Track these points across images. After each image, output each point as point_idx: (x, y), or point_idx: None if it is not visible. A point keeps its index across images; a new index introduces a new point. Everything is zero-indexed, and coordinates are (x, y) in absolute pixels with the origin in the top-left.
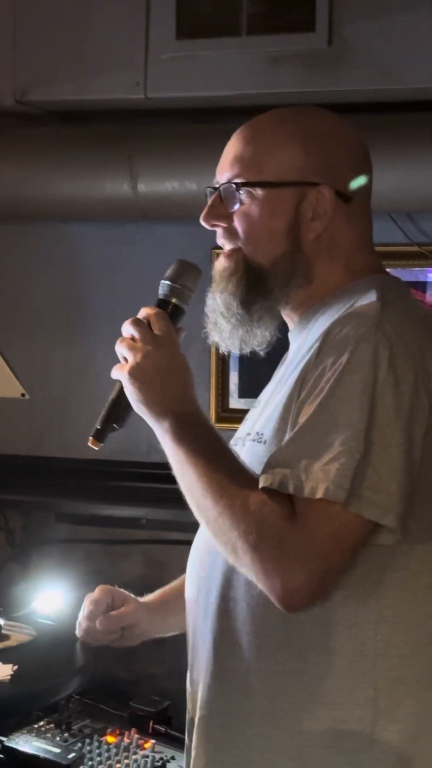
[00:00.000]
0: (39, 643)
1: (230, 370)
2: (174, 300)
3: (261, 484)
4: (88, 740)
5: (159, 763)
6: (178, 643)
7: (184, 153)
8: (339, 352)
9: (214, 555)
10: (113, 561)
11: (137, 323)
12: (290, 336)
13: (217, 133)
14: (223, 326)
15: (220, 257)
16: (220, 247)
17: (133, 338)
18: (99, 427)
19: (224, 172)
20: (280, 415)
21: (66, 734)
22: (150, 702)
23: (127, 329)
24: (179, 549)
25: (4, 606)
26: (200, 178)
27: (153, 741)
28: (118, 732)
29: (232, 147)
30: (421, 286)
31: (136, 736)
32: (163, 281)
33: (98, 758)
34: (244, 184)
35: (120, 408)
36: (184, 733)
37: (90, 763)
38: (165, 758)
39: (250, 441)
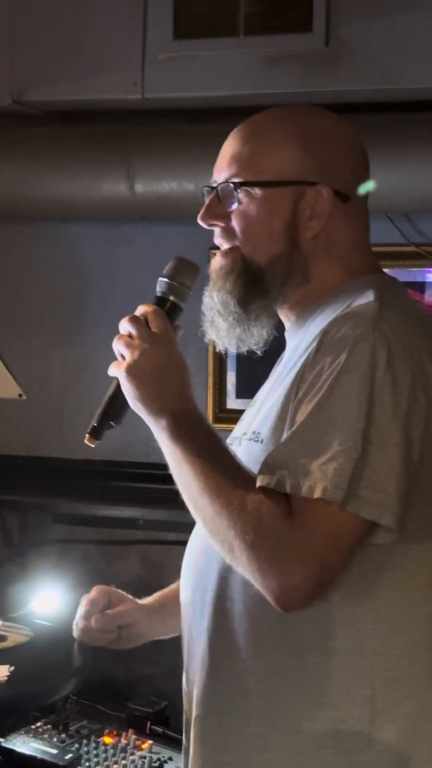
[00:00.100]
0: (36, 644)
1: (228, 370)
2: (172, 297)
3: (258, 484)
4: (85, 741)
5: (156, 764)
6: (176, 644)
7: (182, 153)
8: (337, 351)
9: (210, 554)
10: (111, 561)
11: (135, 320)
12: (287, 335)
13: (215, 134)
14: (220, 325)
15: (216, 256)
16: (217, 247)
17: (130, 335)
18: (95, 425)
19: (222, 171)
20: (277, 414)
21: (63, 735)
22: (147, 703)
23: (125, 326)
24: (177, 549)
25: (2, 606)
26: (198, 178)
27: (150, 742)
28: (115, 733)
29: (230, 146)
30: (419, 286)
31: (134, 736)
32: (161, 278)
33: (96, 759)
34: (242, 184)
35: (117, 405)
36: (181, 734)
37: (87, 764)
38: (162, 759)
39: (247, 440)
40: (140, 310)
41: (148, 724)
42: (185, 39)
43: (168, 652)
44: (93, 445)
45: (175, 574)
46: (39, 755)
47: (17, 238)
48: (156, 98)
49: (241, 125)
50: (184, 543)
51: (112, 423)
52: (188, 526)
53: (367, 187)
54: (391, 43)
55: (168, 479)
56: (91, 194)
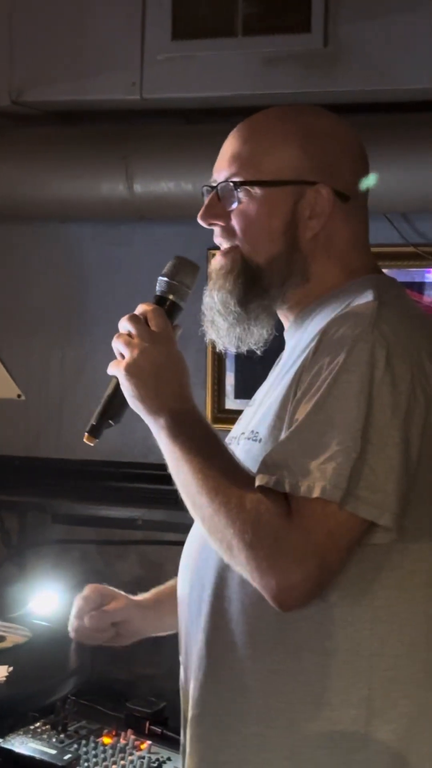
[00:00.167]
0: (35, 644)
1: (226, 370)
2: (171, 297)
3: (257, 483)
4: (84, 741)
5: (155, 765)
6: (175, 644)
7: (180, 154)
8: (336, 351)
9: (208, 553)
10: (109, 562)
11: (134, 319)
12: (286, 335)
13: (213, 134)
14: (220, 324)
15: (216, 255)
16: (216, 248)
17: (129, 334)
18: (94, 423)
19: (222, 170)
20: (275, 414)
21: (62, 735)
22: (146, 703)
23: (124, 325)
24: (175, 550)
25: (0, 607)
26: (196, 178)
27: (149, 742)
28: (114, 733)
29: (230, 145)
30: (418, 286)
31: (133, 737)
32: (160, 278)
33: (94, 759)
34: (242, 183)
35: (116, 404)
36: (180, 735)
37: (86, 764)
38: (161, 759)
39: (245, 439)
40: (140, 309)
41: (147, 724)
42: (184, 39)
43: (167, 653)
44: (92, 444)
45: (174, 574)
46: (38, 756)
47: (16, 239)
48: (154, 98)
49: (240, 125)
50: (182, 543)
51: (110, 422)
52: (187, 526)
53: (367, 182)
54: (389, 44)
55: (167, 480)
56: (89, 194)
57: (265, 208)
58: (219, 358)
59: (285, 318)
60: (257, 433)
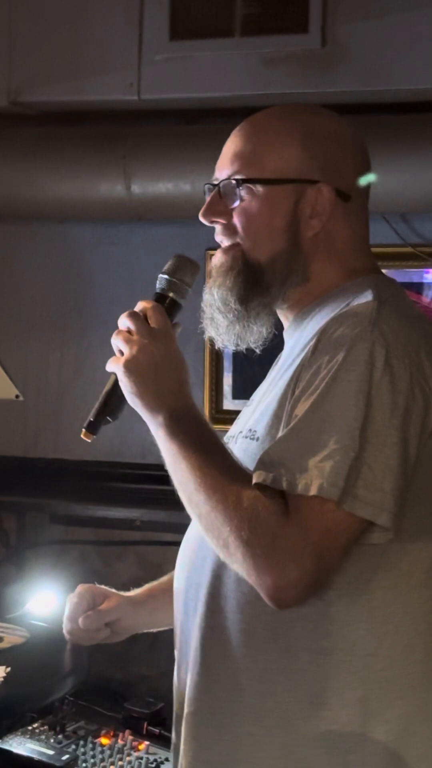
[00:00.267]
0: (33, 645)
1: (224, 371)
2: (171, 294)
3: (254, 481)
4: (82, 742)
5: (153, 765)
6: (172, 645)
7: (178, 154)
8: (335, 350)
9: (205, 551)
10: (108, 562)
11: (134, 316)
12: (285, 334)
13: (211, 134)
14: (219, 321)
15: (217, 252)
16: (214, 248)
17: (129, 331)
18: (92, 420)
19: (224, 168)
20: (273, 413)
21: (60, 736)
22: (144, 703)
23: (124, 322)
24: (174, 550)
25: None
26: (194, 179)
27: (147, 742)
28: (112, 733)
29: (232, 144)
30: (417, 287)
31: (131, 737)
32: (161, 275)
33: (92, 760)
34: (244, 181)
35: (114, 401)
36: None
37: (84, 764)
38: (159, 760)
39: (243, 438)
40: (139, 306)
41: (145, 725)
42: (181, 40)
43: (164, 653)
44: (89, 440)
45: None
46: (36, 756)
47: (14, 239)
48: (152, 99)
49: (243, 123)
50: (180, 544)
51: (108, 418)
52: (185, 526)
53: (368, 179)
54: (386, 44)
55: (165, 480)
56: (88, 195)
57: (267, 206)
58: (217, 359)
59: (284, 317)
60: (255, 431)
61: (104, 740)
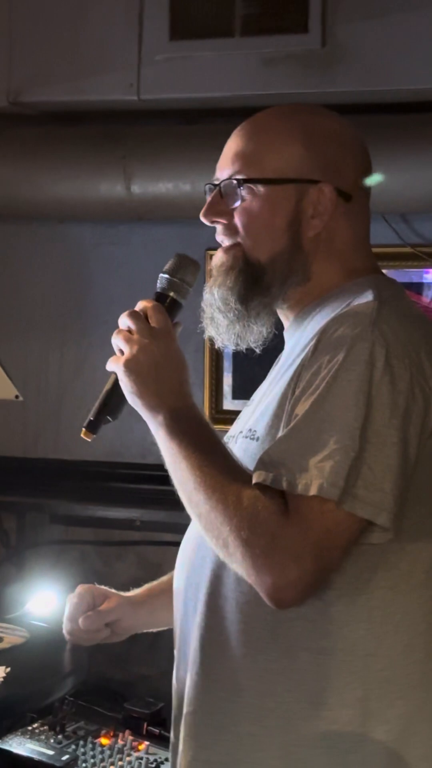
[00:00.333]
0: (33, 645)
1: (224, 371)
2: (172, 294)
3: (254, 480)
4: (82, 742)
5: (153, 765)
6: (173, 645)
7: (178, 154)
8: (335, 350)
9: (204, 551)
10: (108, 562)
11: (134, 315)
12: (285, 334)
13: (211, 135)
14: (219, 321)
15: (218, 252)
16: (214, 248)
17: (129, 330)
18: (92, 419)
19: (225, 168)
20: (273, 412)
21: (60, 736)
22: (144, 703)
23: (124, 321)
24: (173, 550)
25: None
26: (194, 179)
27: (147, 743)
28: (112, 734)
29: (233, 143)
30: (416, 287)
31: (130, 737)
32: (161, 274)
33: (92, 760)
34: (245, 180)
35: (114, 400)
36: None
37: (84, 765)
38: (159, 760)
39: (243, 438)
40: (140, 306)
41: (145, 725)
42: (181, 40)
43: (164, 653)
44: (89, 440)
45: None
46: (36, 756)
47: (14, 239)
48: (152, 99)
49: (244, 123)
50: (180, 544)
51: (109, 418)
52: (185, 527)
53: (373, 179)
54: (386, 44)
55: (165, 480)
56: (87, 195)
57: (268, 206)
58: (217, 359)
59: (285, 317)
60: (255, 431)
61: (104, 740)
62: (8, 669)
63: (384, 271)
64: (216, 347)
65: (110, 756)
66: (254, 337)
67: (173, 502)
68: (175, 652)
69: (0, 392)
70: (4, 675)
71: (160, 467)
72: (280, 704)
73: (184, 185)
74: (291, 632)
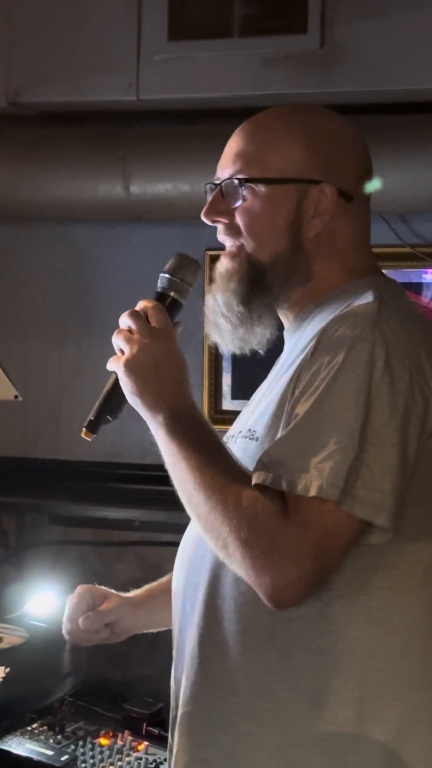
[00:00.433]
0: (32, 646)
1: (223, 371)
2: (172, 294)
3: (254, 481)
4: (81, 742)
5: (152, 765)
6: (172, 645)
7: (177, 155)
8: (335, 351)
9: (203, 551)
10: (107, 563)
11: (135, 315)
12: (285, 334)
13: (210, 135)
14: (223, 326)
15: (222, 258)
16: (214, 249)
17: (130, 330)
18: (92, 419)
19: (226, 168)
20: (273, 413)
21: (59, 736)
22: (143, 704)
23: (125, 321)
24: (173, 551)
25: None
26: (193, 179)
27: (146, 743)
28: (111, 734)
29: (234, 143)
30: (416, 287)
31: (130, 738)
32: (162, 274)
33: (91, 760)
34: (246, 180)
35: (114, 400)
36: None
37: (83, 765)
38: (158, 760)
39: (242, 438)
40: (140, 305)
41: (144, 725)
42: (180, 40)
43: (164, 654)
44: (89, 439)
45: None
46: (35, 757)
47: (13, 239)
48: (151, 99)
49: (245, 123)
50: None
51: (109, 417)
52: (184, 527)
53: (373, 185)
54: (385, 45)
55: (164, 480)
56: (87, 195)
57: (269, 206)
58: (216, 359)
59: (284, 317)
60: (254, 431)
61: (103, 741)
62: (8, 669)
63: (383, 271)
64: (216, 348)
65: (109, 756)
66: (258, 339)
67: (173, 503)
68: (174, 651)
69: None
70: (3, 675)
71: (160, 467)
72: (278, 704)
73: (183, 186)
74: (289, 632)
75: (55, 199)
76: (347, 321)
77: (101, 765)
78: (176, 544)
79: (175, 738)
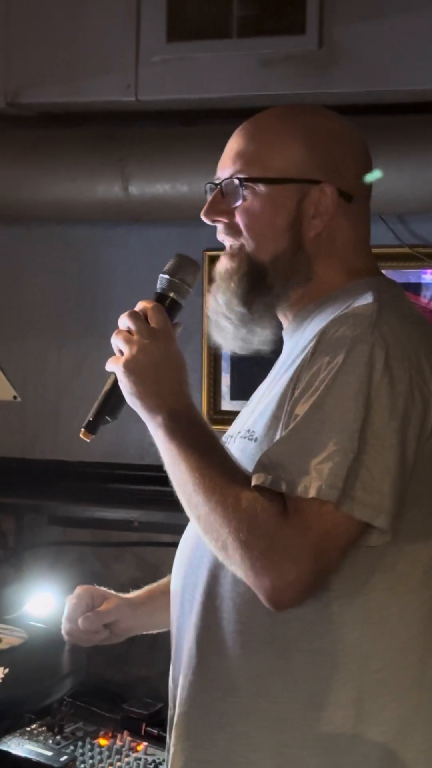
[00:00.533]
0: (31, 646)
1: (222, 372)
2: (172, 294)
3: (254, 482)
4: (80, 743)
5: (151, 766)
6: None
7: (176, 155)
8: (335, 351)
9: (202, 551)
10: (106, 563)
11: (134, 316)
12: (284, 335)
13: (209, 136)
14: (225, 326)
15: (222, 258)
16: (213, 250)
17: (129, 331)
18: (91, 419)
19: (226, 168)
20: (272, 413)
21: (58, 737)
22: (143, 704)
23: (124, 321)
24: (172, 551)
25: None
26: (192, 180)
27: (145, 743)
28: (110, 734)
29: (235, 143)
30: (414, 287)
31: (129, 738)
32: (161, 275)
33: (91, 761)
34: (247, 180)
35: (113, 400)
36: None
37: (82, 765)
38: (157, 761)
39: (241, 438)
40: (140, 306)
41: (143, 726)
42: (179, 41)
43: (163, 654)
44: (88, 440)
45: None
46: (34, 757)
47: (12, 240)
48: (150, 100)
49: (245, 123)
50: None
51: (108, 418)
52: (183, 527)
53: (372, 176)
54: (383, 45)
55: (163, 481)
56: (85, 196)
57: (270, 206)
58: (215, 359)
59: (284, 317)
60: (253, 432)
61: (102, 741)
62: (7, 670)
63: (382, 271)
64: (216, 348)
65: (109, 757)
66: (259, 340)
67: (172, 503)
68: (172, 651)
69: None
70: (2, 676)
71: (159, 468)
72: (276, 704)
73: (181, 186)
74: (287, 633)
75: (54, 200)
76: (347, 322)
77: (100, 765)
78: (175, 545)
79: (173, 738)
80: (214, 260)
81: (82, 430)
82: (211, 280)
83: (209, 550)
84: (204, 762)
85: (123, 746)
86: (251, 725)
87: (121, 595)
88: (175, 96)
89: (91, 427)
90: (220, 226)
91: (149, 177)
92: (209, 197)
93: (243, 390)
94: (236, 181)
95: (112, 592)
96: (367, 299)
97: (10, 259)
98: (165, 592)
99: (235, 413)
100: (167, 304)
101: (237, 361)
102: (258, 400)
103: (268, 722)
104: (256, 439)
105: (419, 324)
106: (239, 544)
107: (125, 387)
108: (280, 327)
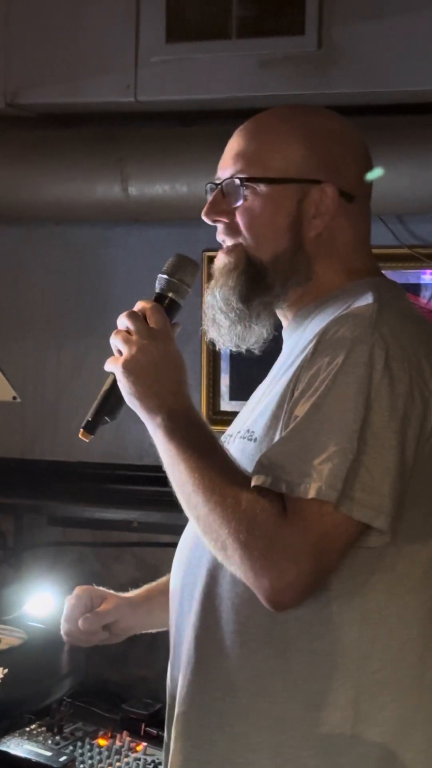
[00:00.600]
0: (30, 647)
1: (221, 372)
2: (171, 294)
3: (253, 483)
4: (79, 743)
5: (151, 766)
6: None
7: (175, 156)
8: (335, 352)
9: (201, 551)
10: (106, 564)
11: (133, 316)
12: (284, 334)
13: (208, 136)
14: (221, 322)
15: (220, 254)
16: (212, 250)
17: (128, 331)
18: (90, 419)
19: (226, 168)
20: (272, 413)
21: (58, 737)
22: (142, 705)
23: (123, 322)
24: (171, 552)
25: None
26: (191, 180)
27: (145, 744)
28: (110, 735)
29: (235, 143)
30: (414, 288)
31: (128, 738)
32: (160, 275)
33: (90, 761)
34: (247, 180)
35: (112, 401)
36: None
37: (82, 766)
38: (157, 761)
39: (240, 438)
40: (139, 306)
41: (143, 726)
42: (178, 42)
43: (163, 654)
44: (87, 440)
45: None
46: (33, 757)
47: (11, 240)
48: (149, 101)
49: (246, 123)
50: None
51: (107, 418)
52: (182, 528)
53: (373, 174)
54: (382, 46)
55: (162, 481)
56: (84, 196)
57: (270, 206)
58: (214, 359)
59: (283, 317)
60: (252, 432)
61: (102, 741)
62: (6, 670)
63: (382, 272)
64: (215, 348)
65: (108, 757)
66: (255, 338)
67: (171, 504)
68: (171, 651)
69: None
70: (1, 676)
71: (158, 468)
72: (275, 705)
73: (181, 187)
74: (286, 633)
75: (53, 201)
76: (347, 322)
77: (100, 766)
78: (174, 545)
79: (172, 737)
80: (213, 260)
81: (81, 430)
82: (210, 279)
83: (208, 550)
84: (203, 762)
85: (122, 746)
86: (250, 725)
87: (120, 594)
88: (175, 96)
89: (90, 428)
90: (220, 226)
91: (149, 177)
92: (210, 197)
93: (242, 390)
94: (237, 181)
95: (111, 592)
96: (367, 299)
97: (10, 259)
98: (164, 591)
99: (235, 413)
100: (166, 304)
101: (236, 362)
102: (258, 400)
103: (267, 722)
104: (255, 439)
105: (419, 324)
106: (239, 544)
107: (124, 387)
108: (278, 326)
